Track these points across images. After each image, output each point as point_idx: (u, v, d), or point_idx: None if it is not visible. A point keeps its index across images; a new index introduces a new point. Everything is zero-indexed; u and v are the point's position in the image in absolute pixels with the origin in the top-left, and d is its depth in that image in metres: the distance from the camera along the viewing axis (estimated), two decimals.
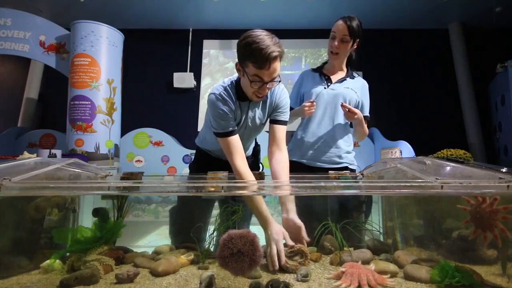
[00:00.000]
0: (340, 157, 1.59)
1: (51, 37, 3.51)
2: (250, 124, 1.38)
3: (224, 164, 1.43)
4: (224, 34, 5.41)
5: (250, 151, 1.61)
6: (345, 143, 1.60)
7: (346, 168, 1.62)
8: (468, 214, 0.94)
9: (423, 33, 5.24)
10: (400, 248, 1.22)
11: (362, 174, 1.43)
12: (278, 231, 1.09)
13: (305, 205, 1.38)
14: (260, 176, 1.28)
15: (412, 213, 1.29)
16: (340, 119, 1.58)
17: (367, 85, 1.66)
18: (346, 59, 1.64)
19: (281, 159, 1.30)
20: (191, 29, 5.38)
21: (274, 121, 1.36)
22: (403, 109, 5.05)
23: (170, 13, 4.91)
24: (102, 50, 3.39)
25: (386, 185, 0.94)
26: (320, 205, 1.36)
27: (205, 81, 5.37)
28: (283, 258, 1.03)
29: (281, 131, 1.35)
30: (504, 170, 0.81)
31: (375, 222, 1.31)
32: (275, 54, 1.10)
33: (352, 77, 1.64)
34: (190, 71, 5.20)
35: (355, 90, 1.59)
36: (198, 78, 5.23)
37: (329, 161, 1.59)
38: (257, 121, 1.38)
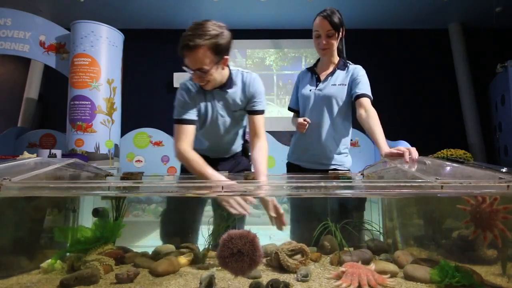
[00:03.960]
0: (328, 158, 1.57)
1: (51, 37, 3.50)
2: (221, 112, 1.38)
3: (211, 161, 1.46)
4: None
5: (238, 147, 1.58)
6: (334, 145, 1.56)
7: (334, 170, 1.60)
8: (468, 214, 0.94)
9: (423, 33, 5.24)
10: (400, 248, 1.22)
11: (362, 174, 1.43)
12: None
13: (304, 205, 1.38)
14: None
15: (412, 213, 1.29)
16: (328, 121, 1.54)
17: (360, 68, 1.59)
18: (337, 51, 1.62)
19: (260, 146, 1.33)
20: None
21: (251, 112, 1.38)
22: (403, 109, 5.05)
23: (170, 13, 4.91)
24: (102, 50, 3.39)
25: (386, 185, 0.94)
26: (319, 205, 1.36)
27: None
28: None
29: (258, 120, 1.37)
30: (504, 170, 0.81)
31: (375, 222, 1.31)
32: (190, 44, 1.13)
33: (343, 68, 1.59)
34: None
35: (344, 82, 1.55)
36: None
37: (317, 162, 1.58)
38: (231, 108, 1.38)
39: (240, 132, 1.55)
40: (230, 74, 1.35)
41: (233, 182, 1.04)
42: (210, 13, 4.94)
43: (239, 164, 1.57)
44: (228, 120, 1.41)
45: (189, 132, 1.29)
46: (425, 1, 4.53)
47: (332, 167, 1.57)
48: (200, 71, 1.19)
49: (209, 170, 1.18)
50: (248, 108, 1.39)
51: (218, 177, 1.15)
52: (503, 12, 4.64)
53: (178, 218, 1.45)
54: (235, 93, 1.36)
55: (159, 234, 1.44)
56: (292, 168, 1.65)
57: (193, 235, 1.40)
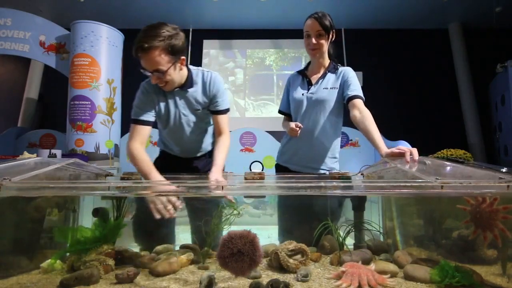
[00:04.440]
0: (317, 162, 1.57)
1: (51, 37, 3.51)
2: (184, 111, 1.39)
3: (184, 161, 1.51)
4: (224, 34, 5.41)
5: (208, 146, 1.58)
6: (325, 149, 1.56)
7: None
8: (468, 214, 0.94)
9: (423, 33, 5.25)
10: (400, 248, 1.22)
11: (362, 174, 1.43)
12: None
13: (304, 205, 1.38)
14: (260, 176, 1.28)
15: (412, 213, 1.29)
16: (320, 124, 1.54)
17: (349, 70, 1.57)
18: (327, 54, 1.61)
19: (222, 141, 1.38)
20: (191, 29, 5.38)
21: (215, 112, 1.41)
22: (403, 109, 5.05)
23: (170, 13, 4.91)
24: (102, 50, 3.39)
25: (386, 185, 0.94)
26: (318, 204, 1.36)
27: None
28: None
29: (222, 120, 1.42)
30: (504, 170, 0.81)
31: (375, 222, 1.30)
32: (145, 45, 1.15)
33: (333, 71, 1.58)
34: None
35: (335, 86, 1.55)
36: None
37: (306, 166, 1.57)
38: (193, 107, 1.39)
39: (209, 130, 1.54)
40: (190, 73, 1.37)
41: (173, 186, 1.02)
42: (210, 13, 4.95)
43: (211, 162, 1.55)
44: (191, 119, 1.42)
45: (143, 132, 1.32)
46: (425, 1, 4.53)
47: (322, 171, 1.56)
48: (157, 72, 1.21)
49: (153, 174, 1.19)
50: (211, 108, 1.41)
51: (168, 188, 1.13)
52: (503, 12, 4.64)
53: (151, 219, 1.41)
54: (196, 92, 1.38)
55: (133, 237, 1.40)
56: (280, 170, 1.64)
57: (167, 235, 1.38)
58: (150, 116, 1.35)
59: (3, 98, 4.94)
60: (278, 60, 5.53)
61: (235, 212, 1.14)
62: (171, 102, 1.38)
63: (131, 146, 1.29)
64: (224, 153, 1.34)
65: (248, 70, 5.45)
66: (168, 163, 1.54)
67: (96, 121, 3.29)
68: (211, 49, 5.49)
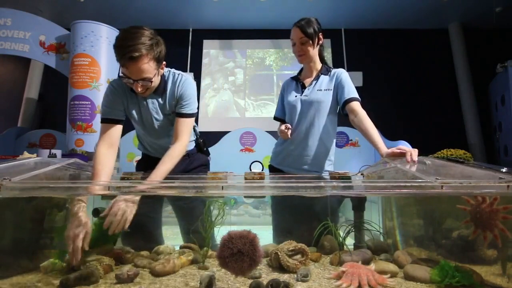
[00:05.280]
0: (312, 165, 1.57)
1: (51, 37, 3.51)
2: (156, 116, 1.35)
3: None
4: (224, 34, 5.41)
5: (188, 146, 1.51)
6: (321, 151, 1.56)
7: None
8: (468, 214, 0.94)
9: (423, 33, 5.25)
10: (400, 248, 1.22)
11: (362, 174, 1.43)
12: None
13: (304, 205, 1.38)
14: (260, 176, 1.28)
15: (412, 213, 1.29)
16: (315, 126, 1.54)
17: (342, 71, 1.59)
18: (319, 57, 1.61)
19: (170, 152, 1.25)
20: (191, 29, 5.38)
21: (177, 114, 1.33)
22: (403, 109, 5.05)
23: (170, 13, 4.91)
24: (102, 50, 3.39)
25: (386, 185, 0.94)
26: (318, 204, 1.36)
27: (205, 81, 5.37)
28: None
29: (182, 124, 1.30)
30: (504, 170, 0.82)
31: (375, 222, 1.30)
32: (135, 55, 1.09)
33: (326, 73, 1.59)
34: (190, 71, 5.20)
35: (329, 88, 1.56)
36: (198, 78, 5.23)
37: (300, 168, 1.57)
38: (165, 111, 1.36)
39: None
40: (163, 76, 1.32)
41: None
42: (210, 13, 4.95)
43: (193, 161, 1.53)
44: (164, 122, 1.37)
45: (113, 133, 1.27)
46: (425, 1, 4.54)
47: (315, 174, 1.56)
48: (144, 80, 1.16)
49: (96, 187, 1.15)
50: (175, 110, 1.33)
51: (96, 188, 1.13)
52: (503, 12, 4.64)
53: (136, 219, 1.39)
54: (165, 95, 1.34)
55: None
56: (274, 171, 1.64)
57: (155, 235, 1.38)
58: (119, 115, 1.30)
59: (3, 98, 4.94)
60: (278, 60, 5.53)
61: (223, 209, 1.14)
62: (142, 107, 1.33)
63: (98, 150, 1.23)
64: (167, 166, 1.19)
65: (248, 70, 5.45)
66: (150, 165, 1.50)
67: (96, 121, 3.29)
68: (211, 49, 5.49)
